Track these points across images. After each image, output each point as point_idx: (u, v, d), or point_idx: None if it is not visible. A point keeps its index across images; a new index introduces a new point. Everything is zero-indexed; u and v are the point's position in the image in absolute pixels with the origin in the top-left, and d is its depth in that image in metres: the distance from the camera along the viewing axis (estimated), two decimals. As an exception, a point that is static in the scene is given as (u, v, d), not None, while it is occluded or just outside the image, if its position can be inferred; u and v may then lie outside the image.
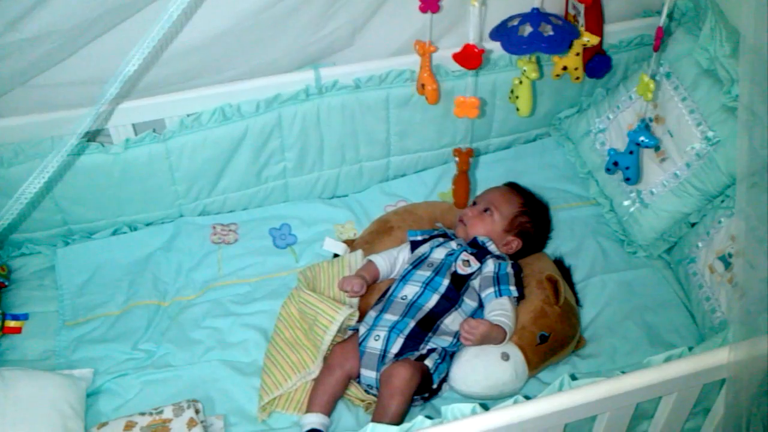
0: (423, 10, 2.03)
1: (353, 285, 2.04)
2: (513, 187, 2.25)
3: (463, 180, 2.16)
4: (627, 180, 2.07)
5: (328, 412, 1.89)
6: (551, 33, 1.98)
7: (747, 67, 1.53)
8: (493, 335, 1.88)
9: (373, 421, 1.80)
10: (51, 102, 2.05)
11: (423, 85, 2.18)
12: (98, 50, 1.97)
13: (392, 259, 2.13)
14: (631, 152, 2.01)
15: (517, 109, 2.17)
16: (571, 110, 2.58)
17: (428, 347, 1.90)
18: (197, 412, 1.84)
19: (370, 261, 2.13)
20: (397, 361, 1.87)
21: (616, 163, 2.04)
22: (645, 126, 1.97)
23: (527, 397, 1.56)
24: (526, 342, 1.95)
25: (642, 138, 1.96)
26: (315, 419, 1.85)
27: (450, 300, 1.97)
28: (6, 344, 2.06)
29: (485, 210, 2.15)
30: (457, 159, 2.12)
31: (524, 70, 2.08)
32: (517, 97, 2.15)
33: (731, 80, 2.02)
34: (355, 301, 2.08)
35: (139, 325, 2.11)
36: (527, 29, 2.00)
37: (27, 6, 1.77)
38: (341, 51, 2.31)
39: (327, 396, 1.89)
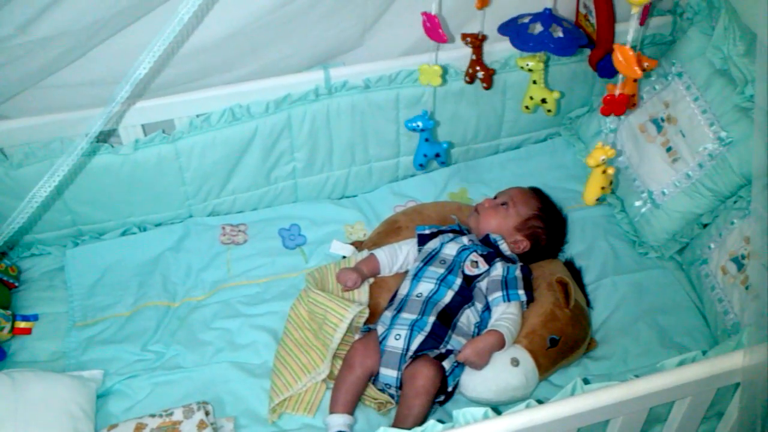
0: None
1: (347, 281, 2.05)
2: (535, 191, 2.24)
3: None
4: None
5: (352, 411, 1.88)
6: (561, 35, 1.97)
7: (764, 69, 1.52)
8: (495, 343, 1.88)
9: (396, 419, 1.81)
10: (61, 103, 2.04)
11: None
12: (108, 51, 1.96)
13: (394, 253, 2.13)
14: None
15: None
16: (581, 110, 2.56)
17: (447, 347, 1.90)
18: (207, 414, 1.84)
19: (371, 255, 2.13)
20: (418, 358, 1.86)
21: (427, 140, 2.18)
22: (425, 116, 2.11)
23: (539, 401, 1.54)
24: (537, 346, 1.94)
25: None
26: (340, 420, 1.84)
27: (464, 297, 1.97)
28: (16, 345, 2.06)
29: (503, 204, 2.14)
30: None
31: (527, 66, 2.09)
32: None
33: (745, 80, 2.00)
34: (365, 299, 2.07)
35: (148, 326, 2.11)
36: (537, 28, 1.99)
37: (38, 8, 1.77)
38: (351, 51, 2.30)
39: (350, 395, 1.88)
